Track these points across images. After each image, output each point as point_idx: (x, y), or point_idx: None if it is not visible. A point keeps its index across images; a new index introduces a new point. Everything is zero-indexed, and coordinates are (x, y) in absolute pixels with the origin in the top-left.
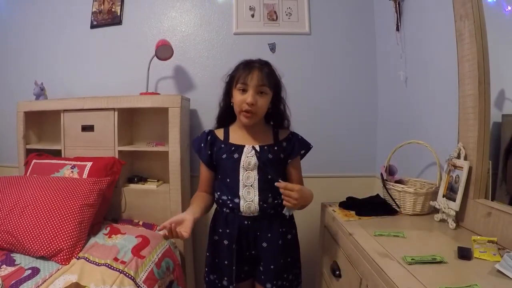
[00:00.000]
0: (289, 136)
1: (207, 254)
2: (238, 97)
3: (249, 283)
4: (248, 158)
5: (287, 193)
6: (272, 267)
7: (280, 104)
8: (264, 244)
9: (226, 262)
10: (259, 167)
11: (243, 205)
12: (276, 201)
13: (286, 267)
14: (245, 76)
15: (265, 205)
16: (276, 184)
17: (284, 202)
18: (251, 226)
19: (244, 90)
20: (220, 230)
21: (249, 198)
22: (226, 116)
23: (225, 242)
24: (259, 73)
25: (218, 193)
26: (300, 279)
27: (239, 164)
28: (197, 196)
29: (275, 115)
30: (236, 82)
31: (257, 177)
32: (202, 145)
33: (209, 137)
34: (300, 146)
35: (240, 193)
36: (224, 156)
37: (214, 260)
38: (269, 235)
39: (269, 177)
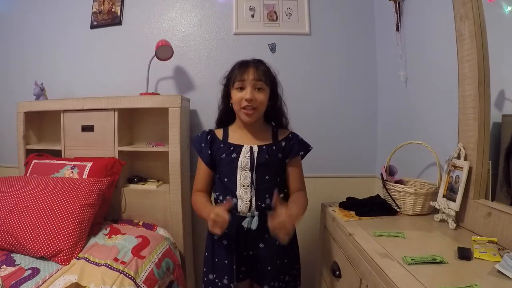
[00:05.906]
0: (289, 136)
1: (206, 254)
2: (236, 96)
3: (247, 284)
4: (246, 158)
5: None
6: (269, 268)
7: (277, 101)
8: (261, 245)
9: (226, 262)
10: (257, 167)
11: (240, 205)
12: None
13: (283, 269)
14: (241, 74)
15: (263, 205)
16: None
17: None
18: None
19: (241, 88)
20: None
21: (246, 198)
22: (226, 118)
23: (224, 242)
24: (254, 69)
25: (217, 193)
26: (299, 281)
27: (237, 164)
28: (200, 195)
29: (273, 112)
30: (233, 82)
31: (254, 177)
32: (203, 144)
33: (209, 137)
34: (300, 147)
35: (238, 193)
36: (223, 156)
37: (214, 260)
38: (266, 235)
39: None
